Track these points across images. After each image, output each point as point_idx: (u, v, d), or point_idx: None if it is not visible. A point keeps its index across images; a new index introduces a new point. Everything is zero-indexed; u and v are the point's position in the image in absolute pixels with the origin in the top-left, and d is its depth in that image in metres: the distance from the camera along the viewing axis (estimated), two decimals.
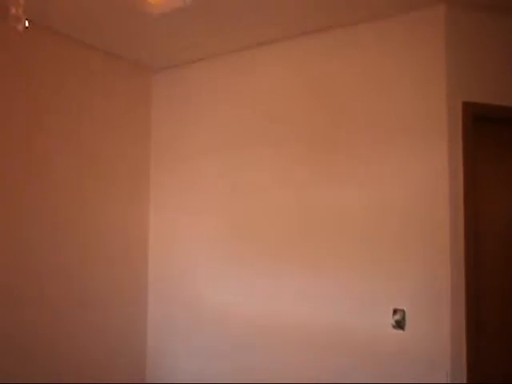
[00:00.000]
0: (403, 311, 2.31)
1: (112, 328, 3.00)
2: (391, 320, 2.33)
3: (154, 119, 3.35)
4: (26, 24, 1.41)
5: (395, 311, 2.33)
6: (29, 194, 2.57)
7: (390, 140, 2.44)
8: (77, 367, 2.76)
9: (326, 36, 2.68)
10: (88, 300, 2.84)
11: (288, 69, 2.82)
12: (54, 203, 2.69)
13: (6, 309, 2.44)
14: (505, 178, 2.55)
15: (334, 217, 2.55)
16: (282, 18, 2.57)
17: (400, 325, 2.31)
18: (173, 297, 3.14)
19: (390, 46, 2.50)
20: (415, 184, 2.35)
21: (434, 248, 2.27)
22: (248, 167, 2.90)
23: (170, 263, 3.18)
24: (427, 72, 2.38)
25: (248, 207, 2.88)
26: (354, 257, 2.47)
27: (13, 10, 1.37)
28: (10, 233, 2.48)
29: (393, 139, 2.43)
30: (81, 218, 2.82)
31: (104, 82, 3.01)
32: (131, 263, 3.16)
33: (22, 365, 2.49)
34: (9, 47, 2.50)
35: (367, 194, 2.46)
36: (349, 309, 2.47)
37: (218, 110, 3.07)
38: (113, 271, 3.01)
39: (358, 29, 2.58)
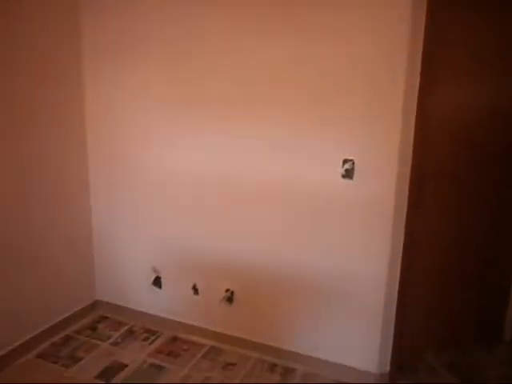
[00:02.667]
0: (353, 161, 2.39)
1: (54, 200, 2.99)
2: (341, 170, 2.42)
3: None
4: None
5: (345, 161, 2.40)
6: None
7: None
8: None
9: None
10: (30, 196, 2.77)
11: None
12: None
13: None
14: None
15: (282, 61, 2.48)
16: None
17: (349, 174, 2.40)
18: (116, 171, 3.08)
19: None
20: (369, 37, 2.27)
21: (386, 99, 2.28)
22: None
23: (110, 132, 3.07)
24: None
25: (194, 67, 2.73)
26: (303, 105, 2.45)
27: None
28: None
29: None
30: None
31: None
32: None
33: None
34: None
35: (323, 47, 2.38)
36: (300, 159, 2.51)
37: None
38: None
39: None
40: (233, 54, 2.58)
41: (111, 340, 3.00)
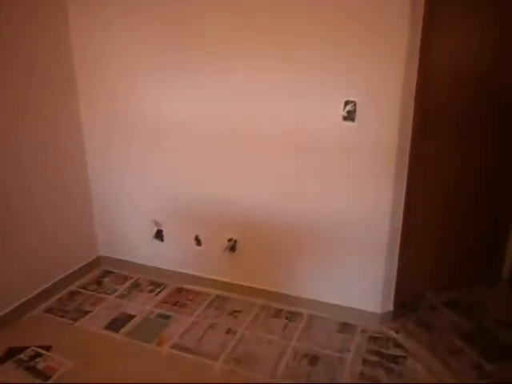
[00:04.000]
0: (354, 103, 2.33)
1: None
2: (342, 112, 2.36)
3: None
4: None
5: (347, 102, 2.34)
6: None
7: None
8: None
9: None
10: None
11: None
12: None
13: None
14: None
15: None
16: None
17: (351, 116, 2.35)
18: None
19: None
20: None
21: (389, 46, 2.18)
22: None
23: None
24: None
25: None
26: (303, 48, 2.37)
27: None
28: None
29: None
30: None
31: None
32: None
33: None
34: None
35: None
36: (300, 101, 2.44)
37: None
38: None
39: None
40: None
41: (117, 293, 3.02)
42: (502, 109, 2.68)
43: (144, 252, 3.20)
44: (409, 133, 2.36)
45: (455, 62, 2.48)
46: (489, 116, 2.67)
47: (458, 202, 2.79)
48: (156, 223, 3.08)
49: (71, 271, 3.12)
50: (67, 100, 2.95)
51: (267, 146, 2.61)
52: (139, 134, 2.93)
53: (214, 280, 3.02)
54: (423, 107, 2.35)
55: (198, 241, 2.99)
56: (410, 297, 2.80)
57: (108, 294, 3.02)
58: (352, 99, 2.33)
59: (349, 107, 2.34)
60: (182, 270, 3.10)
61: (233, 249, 2.89)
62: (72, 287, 3.08)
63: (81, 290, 3.07)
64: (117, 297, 2.98)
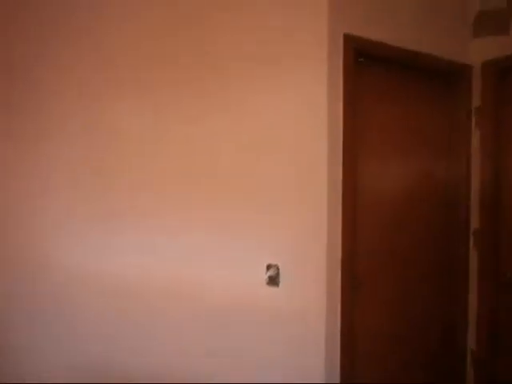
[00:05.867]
0: (277, 267, 2.10)
1: None
2: (265, 276, 2.12)
3: None
4: None
5: (269, 267, 2.11)
6: None
7: (264, 73, 2.13)
8: None
9: None
10: None
11: None
12: None
13: None
14: (389, 124, 2.41)
15: (201, 158, 2.22)
16: None
17: (274, 281, 2.11)
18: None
19: None
20: (292, 124, 2.09)
21: (311, 204, 2.07)
22: None
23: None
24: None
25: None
26: (224, 206, 2.19)
27: None
28: None
29: (267, 72, 2.12)
30: None
31: None
32: None
33: None
34: None
35: (239, 131, 2.16)
36: (220, 265, 2.20)
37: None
38: None
39: None
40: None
41: None
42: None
43: None
44: (338, 292, 2.13)
45: (378, 201, 2.38)
46: (421, 250, 2.54)
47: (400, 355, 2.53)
48: None
49: None
50: None
51: (177, 310, 2.28)
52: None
53: None
54: (351, 265, 2.16)
55: None
56: None
57: None
58: (274, 263, 2.10)
59: (271, 272, 2.10)
60: None
61: None
62: None
63: None
64: None
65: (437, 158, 2.59)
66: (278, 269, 2.09)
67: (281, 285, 2.10)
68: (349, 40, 2.12)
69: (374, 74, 2.33)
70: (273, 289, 2.11)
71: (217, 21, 2.21)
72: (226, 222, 2.18)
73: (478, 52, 2.52)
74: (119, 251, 2.37)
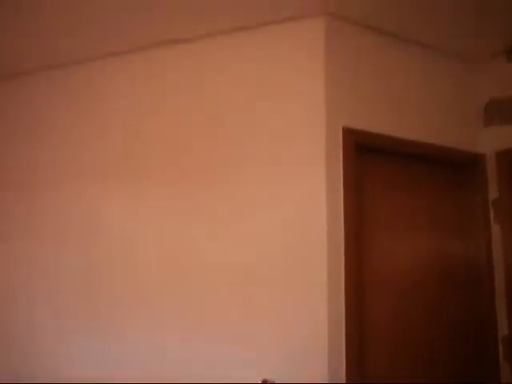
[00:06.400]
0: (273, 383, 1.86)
1: None
2: None
3: None
4: None
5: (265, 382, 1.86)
6: None
7: (262, 169, 2.05)
8: None
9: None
10: None
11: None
12: None
13: None
14: (393, 218, 2.24)
15: (196, 268, 2.08)
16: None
17: None
18: None
19: (267, 61, 2.15)
20: (290, 224, 1.96)
21: (311, 320, 1.88)
22: None
23: None
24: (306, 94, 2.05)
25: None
26: (216, 316, 2.01)
27: None
28: None
29: (264, 167, 2.04)
30: None
31: None
32: None
33: None
34: None
35: (234, 238, 2.04)
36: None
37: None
38: None
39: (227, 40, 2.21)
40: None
41: None
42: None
43: None
44: None
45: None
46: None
47: None
48: None
49: None
50: None
51: None
52: None
53: None
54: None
55: None
56: None
57: None
58: (271, 379, 1.86)
59: None
60: None
61: None
62: None
63: None
64: None
65: (452, 250, 2.37)
66: None
67: None
68: (348, 133, 2.04)
69: (378, 165, 2.22)
70: None
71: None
72: (218, 333, 1.99)
73: (490, 141, 2.39)
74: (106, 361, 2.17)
